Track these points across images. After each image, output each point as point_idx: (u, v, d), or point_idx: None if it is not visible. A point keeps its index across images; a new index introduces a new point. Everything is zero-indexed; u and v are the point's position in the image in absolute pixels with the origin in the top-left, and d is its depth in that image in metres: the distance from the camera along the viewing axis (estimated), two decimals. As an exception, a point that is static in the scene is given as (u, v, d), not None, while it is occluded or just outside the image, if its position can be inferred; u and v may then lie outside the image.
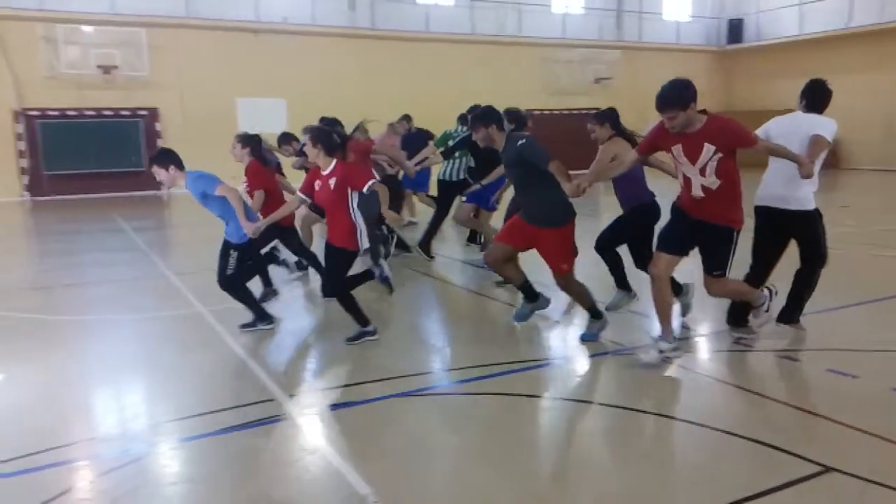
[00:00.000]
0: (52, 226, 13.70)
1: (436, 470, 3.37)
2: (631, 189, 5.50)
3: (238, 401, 4.18)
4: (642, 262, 5.44)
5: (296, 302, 6.81)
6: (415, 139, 9.76)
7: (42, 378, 4.75)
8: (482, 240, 8.49)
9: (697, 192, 4.31)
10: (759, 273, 5.00)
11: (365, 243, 5.17)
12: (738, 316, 5.08)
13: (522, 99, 23.23)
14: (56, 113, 18.10)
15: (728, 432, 3.60)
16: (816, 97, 4.87)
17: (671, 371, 4.56)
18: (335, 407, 4.10)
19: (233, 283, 5.49)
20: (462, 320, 6.17)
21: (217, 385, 4.55)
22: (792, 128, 4.80)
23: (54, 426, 3.93)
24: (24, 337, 5.65)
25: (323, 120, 7.30)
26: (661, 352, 4.56)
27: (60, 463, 3.47)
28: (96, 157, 18.22)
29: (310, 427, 3.83)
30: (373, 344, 5.16)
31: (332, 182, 5.05)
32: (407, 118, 10.80)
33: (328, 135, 5.15)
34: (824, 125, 4.71)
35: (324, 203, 5.16)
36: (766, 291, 4.81)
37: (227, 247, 5.45)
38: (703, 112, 4.22)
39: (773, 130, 4.87)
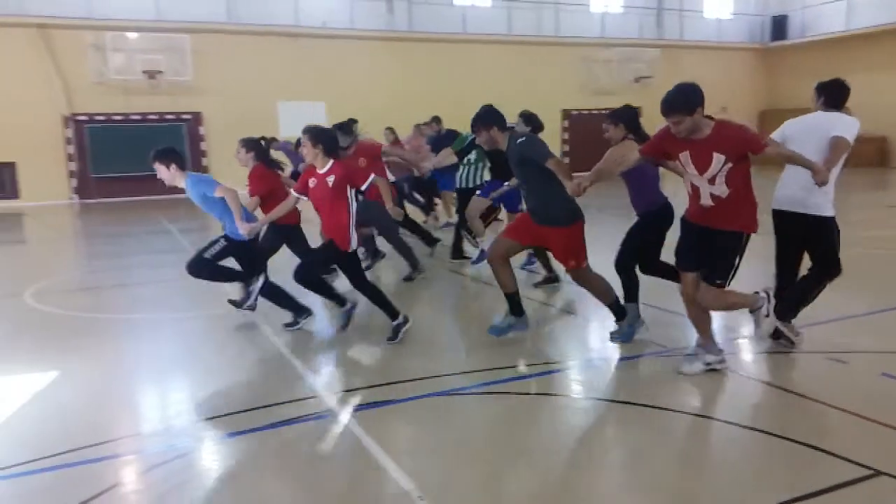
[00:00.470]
0: (100, 228, 14.08)
1: (477, 467, 3.39)
2: (644, 193, 5.23)
3: (281, 397, 4.25)
4: (650, 267, 5.25)
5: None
6: (444, 140, 9.78)
7: (93, 374, 4.90)
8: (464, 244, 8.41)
9: (707, 200, 4.12)
10: (787, 280, 4.85)
11: (355, 244, 5.20)
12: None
13: (560, 99, 23.21)
14: (103, 118, 18.61)
15: (772, 434, 3.54)
16: (835, 93, 4.65)
17: (713, 373, 4.49)
18: (376, 405, 4.14)
19: (199, 266, 5.50)
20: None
21: (261, 382, 4.64)
22: (810, 128, 4.58)
23: (104, 421, 4.06)
24: (77, 335, 5.83)
25: (338, 126, 7.30)
26: (706, 364, 4.41)
27: (109, 457, 3.58)
28: (142, 161, 18.61)
29: (352, 424, 3.88)
30: (412, 344, 5.20)
31: (329, 180, 5.08)
32: (436, 120, 10.78)
33: (329, 135, 5.20)
34: (844, 125, 4.49)
35: (318, 201, 5.18)
36: (762, 294, 4.53)
37: (222, 236, 5.52)
38: (709, 118, 4.04)
39: (790, 131, 4.68)
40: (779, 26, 26.22)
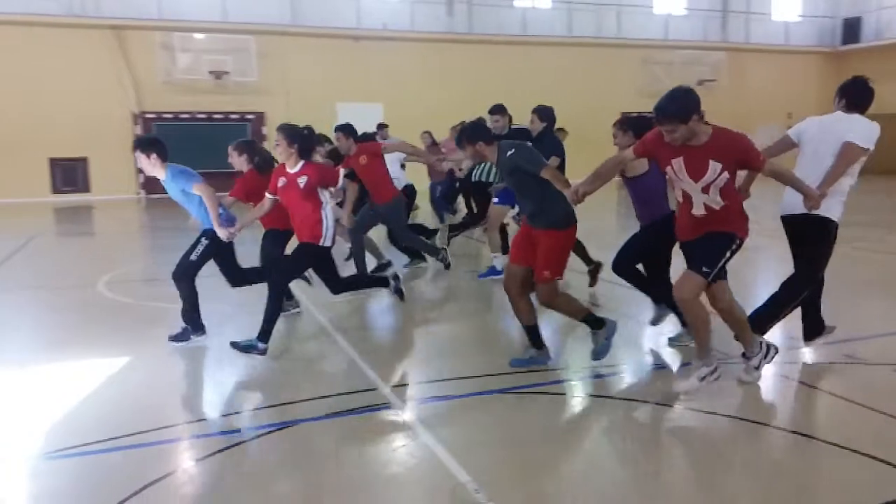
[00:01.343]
0: (164, 222, 14.57)
1: (531, 464, 3.41)
2: (648, 204, 5.09)
3: (341, 388, 4.37)
4: (656, 278, 5.10)
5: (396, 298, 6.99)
6: None
7: (162, 361, 5.11)
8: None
9: (699, 210, 3.92)
10: (816, 288, 4.68)
11: (330, 241, 5.09)
12: (810, 328, 4.76)
13: (620, 101, 22.91)
14: (171, 116, 19.26)
15: (835, 444, 3.46)
16: (858, 94, 4.38)
17: (775, 381, 4.41)
18: (433, 399, 4.22)
19: (186, 271, 5.33)
20: (555, 322, 6.16)
21: (321, 374, 4.76)
22: (825, 130, 4.36)
23: (171, 405, 4.27)
24: (146, 323, 6.06)
25: (341, 128, 7.36)
26: (700, 379, 4.06)
27: (175, 440, 3.75)
28: (206, 158, 19.15)
29: (411, 416, 3.96)
30: (468, 342, 5.24)
31: (301, 181, 4.97)
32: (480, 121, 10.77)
33: (304, 136, 5.08)
34: (860, 130, 4.24)
35: (289, 201, 5.07)
36: (762, 348, 4.23)
37: (201, 234, 5.38)
38: (707, 122, 3.82)
39: (807, 133, 4.47)
40: (851, 29, 25.36)
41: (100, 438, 3.68)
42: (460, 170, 8.51)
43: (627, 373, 4.70)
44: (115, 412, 4.09)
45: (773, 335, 4.88)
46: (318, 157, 8.76)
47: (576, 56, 22.38)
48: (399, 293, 5.85)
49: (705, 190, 3.82)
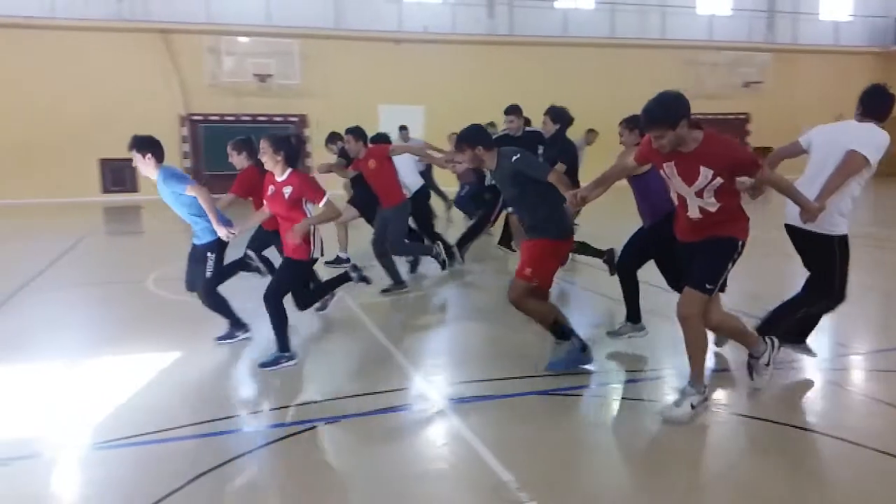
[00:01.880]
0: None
1: (573, 465, 3.43)
2: (650, 201, 4.99)
3: (383, 386, 4.43)
4: (676, 282, 4.94)
5: (440, 294, 7.04)
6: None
7: (211, 356, 5.24)
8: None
9: (694, 213, 3.81)
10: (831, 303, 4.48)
11: (318, 252, 4.97)
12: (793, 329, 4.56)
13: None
14: (216, 118, 19.66)
15: (885, 452, 3.38)
16: (874, 102, 4.18)
17: (825, 388, 4.33)
18: (475, 399, 4.24)
19: (208, 290, 5.36)
20: (598, 325, 6.14)
21: (366, 371, 4.82)
22: (834, 138, 4.17)
23: (220, 399, 4.38)
24: (195, 319, 6.20)
25: (351, 130, 7.32)
26: (692, 406, 3.82)
27: (223, 432, 3.85)
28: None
29: (452, 415, 3.99)
30: (512, 344, 5.25)
31: (286, 191, 4.83)
32: (492, 124, 10.37)
33: (290, 144, 4.92)
34: (866, 139, 4.04)
35: (276, 210, 4.96)
36: (767, 342, 4.13)
37: (201, 251, 5.34)
38: (699, 127, 3.67)
39: (816, 140, 4.30)
40: (905, 28, 24.66)
41: (152, 430, 3.80)
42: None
43: (669, 376, 4.65)
44: (167, 405, 4.22)
45: (819, 341, 4.79)
46: (331, 156, 8.85)
47: (618, 57, 22.19)
48: (364, 279, 5.69)
49: (699, 194, 3.71)
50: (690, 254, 3.89)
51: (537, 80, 21.01)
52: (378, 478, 3.31)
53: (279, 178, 4.87)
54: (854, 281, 4.38)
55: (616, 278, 5.32)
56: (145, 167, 5.16)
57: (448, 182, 13.40)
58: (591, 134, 12.10)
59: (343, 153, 8.30)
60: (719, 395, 4.26)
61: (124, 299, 7.10)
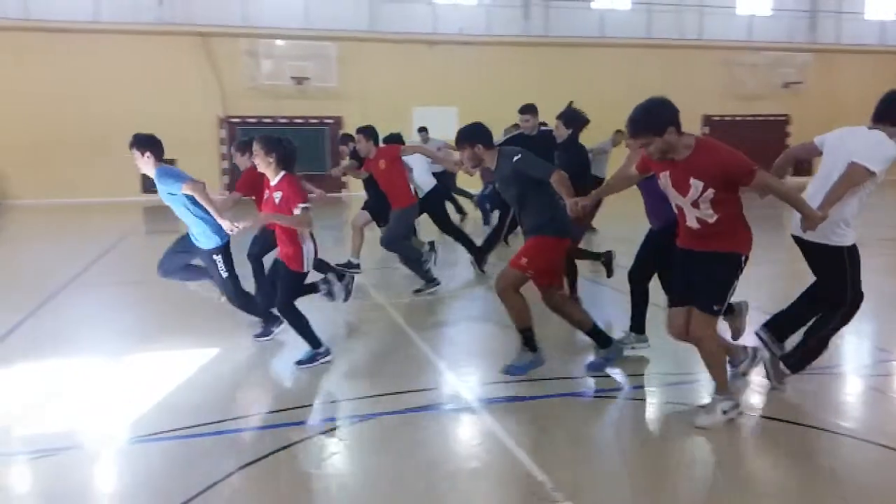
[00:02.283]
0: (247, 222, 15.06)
1: (607, 467, 3.41)
2: (657, 206, 4.80)
3: (418, 385, 4.46)
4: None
5: (472, 295, 7.05)
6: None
7: (251, 352, 5.32)
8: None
9: (693, 223, 3.68)
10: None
11: (310, 265, 4.88)
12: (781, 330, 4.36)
13: (701, 104, 22.36)
14: (254, 120, 19.92)
15: (935, 462, 3.29)
16: (884, 106, 3.99)
17: (866, 394, 4.23)
18: (508, 399, 4.24)
19: (234, 294, 5.39)
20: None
21: (398, 370, 4.83)
22: (841, 144, 4.01)
23: (258, 396, 4.49)
24: (234, 316, 6.30)
25: (362, 130, 7.33)
26: (724, 412, 3.78)
27: (262, 427, 3.94)
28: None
29: (485, 415, 3.99)
30: (546, 346, 5.22)
31: (276, 196, 4.75)
32: (515, 126, 10.06)
33: (282, 146, 4.81)
34: (872, 150, 3.85)
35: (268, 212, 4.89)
36: (749, 350, 4.07)
37: (207, 256, 5.31)
38: (689, 134, 3.57)
39: (829, 142, 4.13)
40: (954, 27, 23.92)
41: (190, 425, 3.87)
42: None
43: (704, 380, 4.58)
44: (204, 401, 4.29)
45: (860, 347, 4.69)
46: (344, 158, 8.84)
47: (655, 58, 21.94)
48: (330, 295, 5.57)
49: (695, 205, 3.58)
50: (689, 261, 3.76)
51: (572, 82, 20.83)
52: (412, 476, 3.32)
53: (272, 182, 4.81)
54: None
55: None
56: (144, 165, 5.19)
57: (474, 184, 13.39)
58: (619, 135, 11.93)
59: (355, 154, 8.26)
60: (755, 400, 4.20)
61: (163, 297, 7.23)
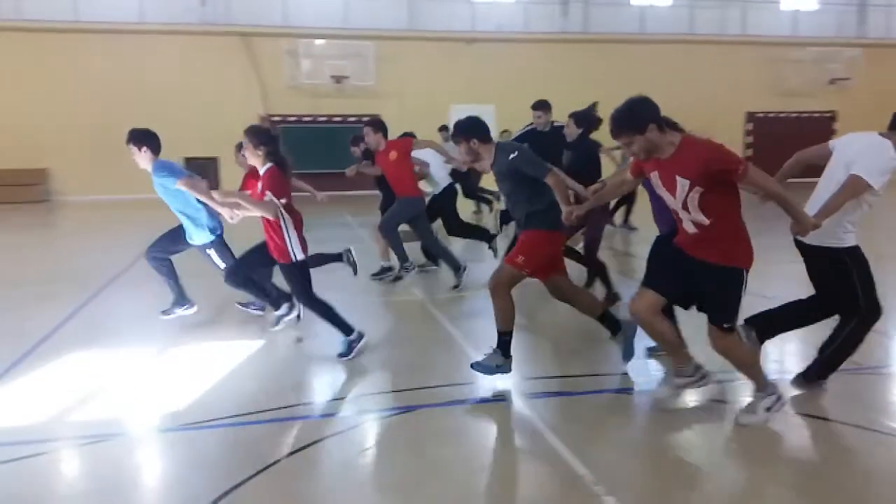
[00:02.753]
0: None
1: (649, 463, 3.41)
2: (665, 210, 4.68)
3: (456, 379, 4.51)
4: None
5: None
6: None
7: (291, 345, 5.43)
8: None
9: (689, 227, 3.56)
10: (821, 308, 4.15)
11: (299, 255, 4.84)
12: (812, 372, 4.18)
13: (744, 101, 22.01)
14: (294, 119, 20.19)
15: None
16: None
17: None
18: (549, 395, 4.26)
19: (235, 274, 5.36)
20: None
21: (437, 364, 4.88)
22: (845, 149, 3.90)
23: (303, 387, 4.59)
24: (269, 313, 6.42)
25: (370, 122, 7.36)
26: (766, 409, 3.72)
27: (307, 417, 4.05)
28: (327, 159, 20.08)
29: (527, 410, 4.01)
30: (587, 340, 5.21)
31: (260, 186, 4.75)
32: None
33: (272, 137, 4.80)
34: (874, 161, 3.73)
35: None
36: (777, 393, 3.77)
37: (202, 251, 5.35)
38: (679, 130, 3.49)
39: (838, 147, 4.00)
40: None
41: (235, 413, 3.98)
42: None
43: (744, 377, 4.53)
44: (252, 390, 4.40)
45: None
46: (356, 155, 8.86)
47: (697, 54, 21.63)
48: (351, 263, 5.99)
49: (685, 207, 3.47)
50: (687, 265, 3.62)
51: (612, 79, 20.62)
52: (451, 468, 3.36)
53: (261, 173, 4.80)
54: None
55: None
56: (141, 160, 5.22)
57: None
58: None
59: (367, 154, 8.21)
60: (801, 399, 4.14)
61: (209, 289, 7.39)
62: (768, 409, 3.72)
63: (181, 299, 5.88)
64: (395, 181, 7.36)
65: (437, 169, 8.26)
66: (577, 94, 21.64)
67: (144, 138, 5.22)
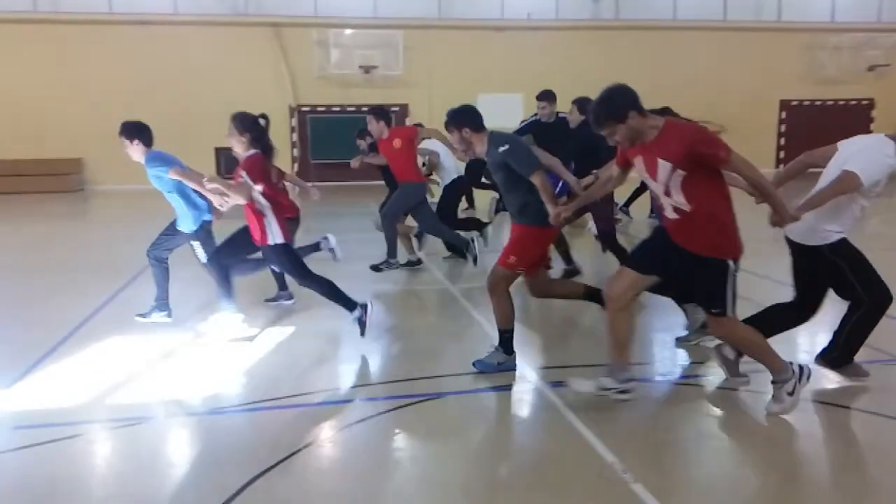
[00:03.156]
0: (315, 207, 15.33)
1: (677, 450, 3.39)
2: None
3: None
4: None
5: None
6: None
7: (322, 332, 5.47)
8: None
9: (670, 213, 3.51)
10: (802, 309, 4.08)
11: (277, 239, 4.86)
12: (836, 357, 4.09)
13: (778, 88, 21.55)
14: (323, 109, 20.28)
15: None
16: None
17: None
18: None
19: (218, 262, 5.36)
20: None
21: (465, 351, 4.87)
22: (846, 148, 3.84)
23: (334, 373, 4.66)
24: (305, 297, 6.46)
25: (372, 111, 7.31)
26: (789, 394, 3.63)
27: (339, 402, 4.09)
28: (356, 148, 20.16)
29: (555, 398, 3.99)
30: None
31: (243, 173, 4.75)
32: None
33: (258, 125, 4.82)
34: (869, 159, 3.65)
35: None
36: (795, 368, 3.65)
37: (186, 240, 5.41)
38: (663, 114, 3.45)
39: (842, 146, 3.90)
40: None
41: (265, 398, 4.03)
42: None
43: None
44: (285, 375, 4.48)
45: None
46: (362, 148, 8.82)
47: (731, 42, 21.18)
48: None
49: (667, 193, 3.43)
50: (673, 251, 3.55)
51: (644, 67, 20.35)
52: (481, 453, 3.38)
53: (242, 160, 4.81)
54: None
55: None
56: (133, 152, 5.25)
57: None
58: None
59: (374, 147, 8.13)
60: (838, 391, 4.07)
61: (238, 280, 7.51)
62: (791, 394, 3.63)
63: (163, 305, 5.81)
64: (398, 168, 7.32)
65: (446, 158, 8.22)
66: (607, 83, 21.33)
67: (136, 131, 5.25)
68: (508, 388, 4.19)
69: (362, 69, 19.94)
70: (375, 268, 7.24)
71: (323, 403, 4.05)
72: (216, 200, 4.99)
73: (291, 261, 5.06)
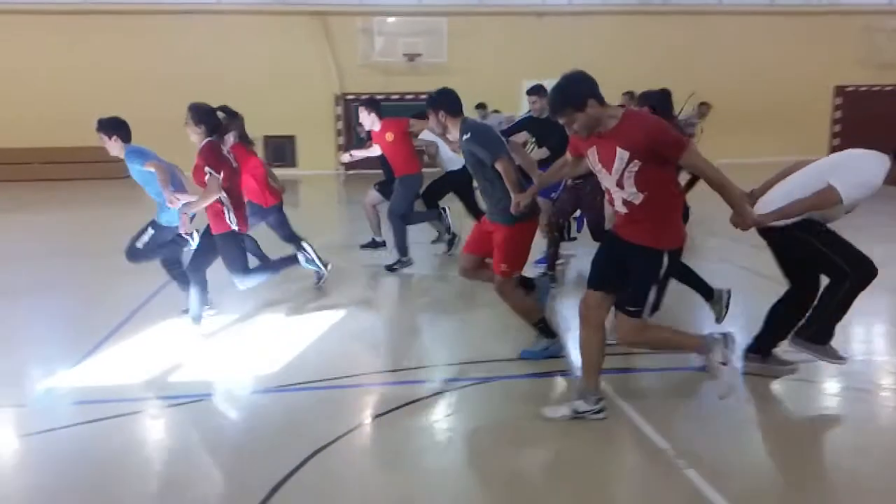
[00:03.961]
0: (359, 196, 15.49)
1: (728, 437, 3.38)
2: None
3: (532, 353, 4.51)
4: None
5: (581, 264, 7.01)
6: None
7: (369, 316, 5.62)
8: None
9: (620, 206, 3.40)
10: (801, 296, 3.96)
11: (235, 224, 4.88)
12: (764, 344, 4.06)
13: (833, 74, 20.90)
14: (367, 97, 20.34)
15: None
16: None
17: None
18: (626, 371, 4.26)
19: (136, 255, 5.48)
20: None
21: (512, 338, 4.90)
22: (836, 156, 3.78)
23: (383, 356, 4.76)
24: (346, 284, 6.57)
25: (364, 102, 7.29)
26: (576, 412, 3.53)
27: (389, 384, 4.20)
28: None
29: (606, 384, 3.95)
30: (668, 316, 5.13)
31: (197, 163, 4.78)
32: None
33: (214, 116, 4.84)
34: (852, 176, 3.55)
35: (198, 183, 4.89)
36: (715, 336, 3.50)
37: (150, 223, 5.49)
38: (623, 106, 3.29)
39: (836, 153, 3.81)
40: None
41: (324, 377, 4.16)
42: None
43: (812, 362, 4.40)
44: (336, 356, 4.60)
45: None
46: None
47: (784, 25, 20.60)
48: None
49: (619, 184, 3.31)
50: (613, 247, 3.50)
51: (689, 52, 19.98)
52: (532, 437, 3.41)
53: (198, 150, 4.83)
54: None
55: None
56: (112, 148, 5.26)
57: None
58: (704, 107, 11.05)
59: (370, 136, 7.97)
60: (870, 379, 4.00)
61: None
62: (724, 363, 3.43)
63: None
64: (395, 160, 7.23)
65: (446, 150, 8.15)
66: (652, 69, 21.04)
67: (113, 127, 5.25)
68: (557, 374, 4.21)
69: (406, 57, 19.97)
70: (390, 268, 7.22)
71: (375, 384, 4.14)
72: (167, 195, 5.00)
73: (238, 252, 5.10)
